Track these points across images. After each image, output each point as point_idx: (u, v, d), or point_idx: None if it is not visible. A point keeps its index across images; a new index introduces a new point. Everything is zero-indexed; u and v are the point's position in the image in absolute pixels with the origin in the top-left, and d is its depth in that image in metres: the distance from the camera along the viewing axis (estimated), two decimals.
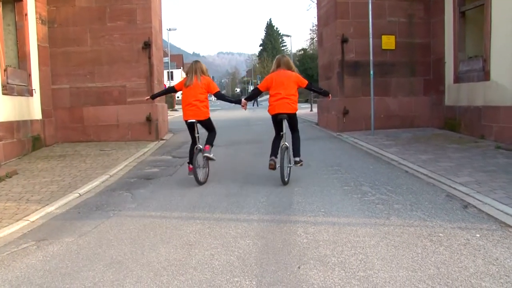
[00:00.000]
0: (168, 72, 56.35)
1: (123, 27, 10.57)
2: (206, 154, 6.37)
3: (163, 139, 11.18)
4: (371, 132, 10.36)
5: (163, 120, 11.94)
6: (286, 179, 5.75)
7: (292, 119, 6.20)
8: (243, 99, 6.73)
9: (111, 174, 7.00)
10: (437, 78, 11.22)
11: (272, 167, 5.72)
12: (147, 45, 10.57)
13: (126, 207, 4.99)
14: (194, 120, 6.38)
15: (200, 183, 6.03)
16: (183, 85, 6.32)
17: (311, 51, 70.19)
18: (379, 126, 10.68)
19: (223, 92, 7.14)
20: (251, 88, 52.55)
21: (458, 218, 4.06)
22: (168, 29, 53.15)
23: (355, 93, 11.30)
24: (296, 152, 6.13)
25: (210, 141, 6.66)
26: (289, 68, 6.08)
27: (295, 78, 6.02)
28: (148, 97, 7.05)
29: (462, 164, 6.55)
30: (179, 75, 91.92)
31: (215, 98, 6.93)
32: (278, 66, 6.11)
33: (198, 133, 6.58)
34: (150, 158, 8.50)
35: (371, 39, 10.14)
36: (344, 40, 11.08)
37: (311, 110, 22.93)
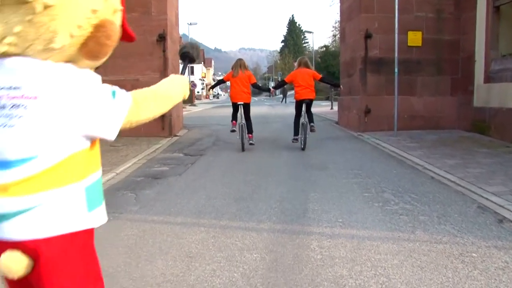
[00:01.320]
0: (188, 67, 56.46)
1: (137, 18, 10.28)
2: (251, 142, 8.53)
3: (177, 135, 10.89)
4: (394, 133, 9.90)
5: (178, 116, 11.67)
6: (303, 147, 8.29)
7: (311, 102, 8.59)
8: (271, 88, 9.80)
9: (117, 172, 6.71)
10: (466, 77, 10.67)
11: (296, 141, 8.46)
12: (162, 38, 10.28)
13: (128, 209, 4.68)
14: (241, 102, 8.42)
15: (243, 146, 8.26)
16: (231, 76, 8.51)
17: (333, 48, 69.45)
18: (402, 127, 10.20)
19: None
20: (271, 84, 52.92)
21: (493, 235, 3.62)
22: (189, 23, 53.33)
23: (378, 91, 10.82)
24: (311, 121, 8.35)
25: (251, 129, 8.62)
26: (307, 67, 8.56)
27: (312, 74, 8.55)
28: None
29: (494, 171, 6.07)
30: (199, 70, 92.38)
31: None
32: (300, 65, 8.61)
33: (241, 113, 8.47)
34: (160, 156, 8.20)
35: (396, 35, 9.66)
36: (367, 36, 10.61)
37: (332, 108, 22.43)
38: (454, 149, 8.10)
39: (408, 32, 10.57)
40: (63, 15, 1.21)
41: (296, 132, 8.45)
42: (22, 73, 1.23)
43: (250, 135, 8.46)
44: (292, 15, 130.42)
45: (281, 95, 47.29)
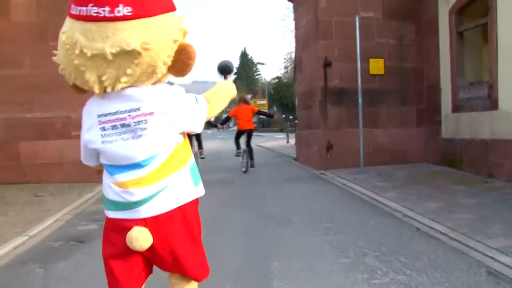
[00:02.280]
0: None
1: None
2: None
3: None
4: (360, 170, 9.01)
5: None
6: (244, 170, 10.21)
7: (251, 132, 10.58)
8: (219, 125, 12.00)
9: (31, 234, 5.35)
10: (432, 107, 10.04)
11: (239, 155, 10.73)
12: None
13: None
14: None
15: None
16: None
17: (285, 80, 69.93)
18: (368, 162, 9.34)
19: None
20: (224, 115, 52.80)
21: None
22: None
23: (340, 124, 9.99)
24: (251, 158, 10.36)
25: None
26: (246, 103, 11.01)
27: (251, 108, 10.85)
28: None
29: (486, 216, 5.19)
30: None
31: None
32: (240, 101, 10.80)
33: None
34: (91, 208, 6.88)
35: (359, 62, 8.90)
36: (327, 64, 9.84)
37: (288, 142, 21.60)
38: (429, 187, 7.25)
39: (370, 60, 9.88)
40: (157, 53, 1.81)
41: (237, 147, 10.80)
42: (137, 98, 1.88)
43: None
44: (244, 48, 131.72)
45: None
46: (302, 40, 11.29)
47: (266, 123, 56.41)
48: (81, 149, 2.19)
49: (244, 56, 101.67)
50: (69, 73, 1.94)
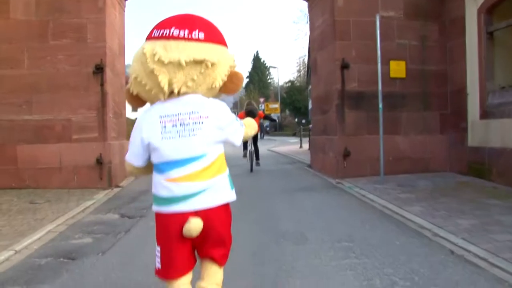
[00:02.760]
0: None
1: (69, 46, 8.62)
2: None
3: (119, 186, 9.07)
4: (380, 180, 8.40)
5: (122, 161, 9.85)
6: (250, 170, 11.17)
7: (256, 135, 11.24)
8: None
9: (18, 248, 4.86)
10: (457, 113, 9.42)
11: (245, 157, 11.72)
12: (99, 69, 8.60)
13: None
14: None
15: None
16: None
17: (298, 83, 69.39)
18: (387, 171, 8.73)
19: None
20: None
21: None
22: None
23: (358, 130, 9.41)
24: (257, 158, 11.58)
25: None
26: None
27: (258, 113, 11.39)
28: None
29: None
30: None
31: None
32: (247, 105, 11.48)
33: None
34: (89, 218, 6.38)
35: (379, 64, 8.32)
36: (344, 66, 9.26)
37: (301, 147, 20.99)
38: (458, 200, 6.64)
39: (390, 62, 9.30)
40: (219, 69, 2.48)
41: (244, 148, 11.60)
42: (197, 103, 2.45)
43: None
44: (257, 51, 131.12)
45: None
46: (318, 41, 10.74)
47: (279, 127, 55.85)
48: (130, 147, 2.59)
49: (256, 59, 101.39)
50: (141, 79, 2.45)
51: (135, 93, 2.58)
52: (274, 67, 71.56)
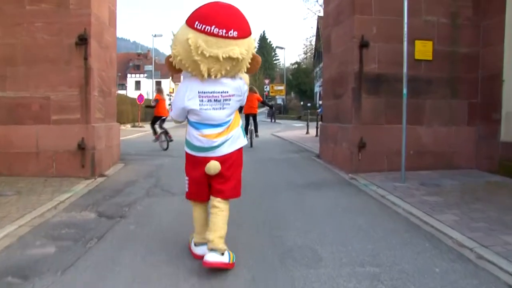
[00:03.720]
0: (153, 81, 53.74)
1: (49, 12, 7.59)
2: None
3: (104, 175, 8.13)
4: (401, 177, 7.41)
5: (109, 147, 8.89)
6: (250, 145, 13.04)
7: (255, 115, 14.23)
8: None
9: None
10: (489, 102, 8.40)
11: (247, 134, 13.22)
12: (82, 40, 7.58)
13: None
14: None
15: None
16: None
17: (304, 66, 68.01)
18: (407, 167, 7.67)
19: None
20: None
21: None
22: (154, 35, 51.05)
23: (376, 119, 8.41)
24: (256, 130, 14.22)
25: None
26: (254, 92, 14.00)
27: (256, 97, 14.31)
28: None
29: None
30: (167, 85, 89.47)
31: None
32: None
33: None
34: (59, 218, 5.43)
35: (405, 43, 7.25)
36: (363, 44, 8.21)
37: (307, 133, 19.95)
38: (496, 208, 5.67)
39: (416, 42, 8.24)
40: (245, 60, 3.48)
41: (245, 134, 11.64)
42: (227, 85, 3.55)
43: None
44: (263, 31, 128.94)
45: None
46: (333, 15, 9.63)
47: (284, 110, 54.74)
48: (175, 110, 3.73)
49: (263, 40, 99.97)
50: (186, 62, 3.42)
51: (177, 67, 3.58)
52: (281, 48, 69.88)
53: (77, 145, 7.65)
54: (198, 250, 3.91)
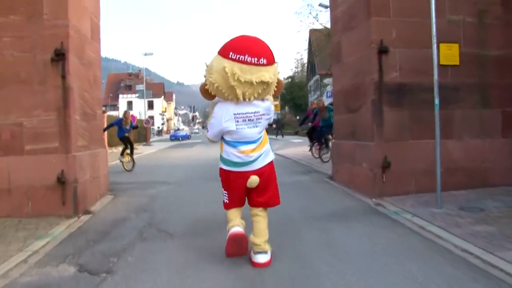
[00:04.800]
0: (144, 101, 52.78)
1: (19, 25, 6.56)
2: None
3: (89, 212, 7.03)
4: (437, 201, 6.36)
5: (95, 178, 7.80)
6: None
7: None
8: None
9: None
10: None
11: None
12: (59, 56, 6.56)
13: None
14: None
15: None
16: None
17: (297, 80, 67.29)
18: (435, 186, 6.59)
19: None
20: None
21: None
22: (144, 53, 50.18)
23: (400, 134, 7.41)
24: None
25: None
26: None
27: None
28: None
29: None
30: (160, 104, 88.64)
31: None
32: None
33: None
34: (28, 277, 4.32)
35: (435, 46, 6.29)
36: (382, 50, 7.25)
37: (310, 150, 18.80)
38: None
39: (440, 45, 7.25)
40: (273, 84, 4.11)
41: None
42: (259, 106, 4.15)
43: None
44: None
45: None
46: (343, 21, 8.67)
47: (280, 126, 53.79)
48: (212, 131, 4.29)
49: None
50: (222, 88, 3.94)
51: (213, 94, 4.15)
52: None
53: (56, 178, 6.57)
54: (234, 230, 4.29)
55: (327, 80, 33.34)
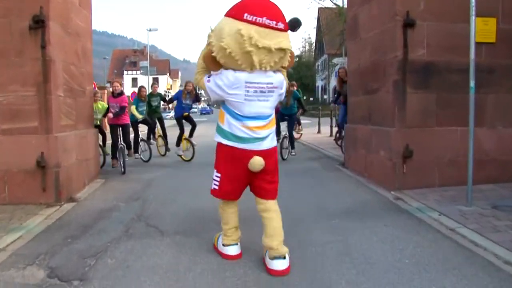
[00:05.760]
0: (148, 78, 51.89)
1: None
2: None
3: (74, 199, 6.34)
4: (465, 197, 5.58)
5: (82, 160, 7.08)
6: None
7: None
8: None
9: None
10: None
11: None
12: (38, 23, 5.77)
13: None
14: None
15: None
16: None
17: (304, 59, 66.07)
18: (464, 180, 5.82)
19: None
20: None
21: None
22: (149, 29, 48.95)
23: (425, 120, 6.62)
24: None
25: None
26: None
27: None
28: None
29: None
30: (165, 81, 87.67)
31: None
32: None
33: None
34: None
35: (473, 18, 5.42)
36: (408, 24, 6.39)
37: (319, 132, 18.06)
38: None
39: (476, 20, 6.40)
40: (288, 53, 3.54)
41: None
42: (273, 77, 3.57)
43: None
44: None
45: None
46: None
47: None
48: (213, 94, 3.65)
49: None
50: (236, 55, 3.35)
51: (221, 62, 3.51)
52: None
53: (35, 162, 5.85)
54: (230, 251, 3.93)
55: (336, 60, 32.18)
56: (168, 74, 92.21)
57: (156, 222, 5.21)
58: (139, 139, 10.85)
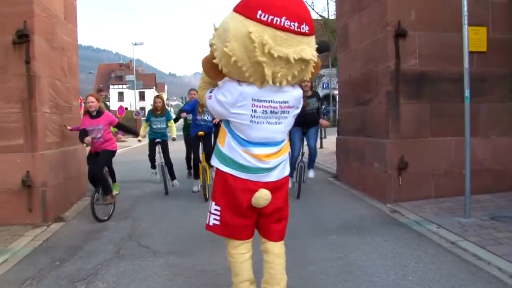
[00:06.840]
0: (135, 92, 51.63)
1: None
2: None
3: (61, 219, 6.13)
4: (462, 208, 5.50)
5: (70, 178, 6.87)
6: None
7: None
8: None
9: None
10: None
11: None
12: (22, 38, 5.60)
13: None
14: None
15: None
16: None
17: None
18: (460, 190, 5.78)
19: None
20: None
21: None
22: (134, 43, 48.85)
23: (419, 131, 6.56)
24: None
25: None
26: None
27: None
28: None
29: None
30: (151, 95, 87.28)
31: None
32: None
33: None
34: None
35: (466, 27, 5.37)
36: (400, 34, 6.35)
37: (321, 147, 17.81)
38: None
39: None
40: (311, 64, 2.61)
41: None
42: (289, 94, 2.71)
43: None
44: None
45: None
46: (352, 1, 7.75)
47: None
48: (215, 112, 2.87)
49: None
50: (243, 65, 2.51)
51: (224, 71, 2.66)
52: None
53: (21, 181, 5.64)
54: None
55: (322, 71, 32.28)
56: (154, 87, 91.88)
57: (148, 241, 5.03)
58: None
